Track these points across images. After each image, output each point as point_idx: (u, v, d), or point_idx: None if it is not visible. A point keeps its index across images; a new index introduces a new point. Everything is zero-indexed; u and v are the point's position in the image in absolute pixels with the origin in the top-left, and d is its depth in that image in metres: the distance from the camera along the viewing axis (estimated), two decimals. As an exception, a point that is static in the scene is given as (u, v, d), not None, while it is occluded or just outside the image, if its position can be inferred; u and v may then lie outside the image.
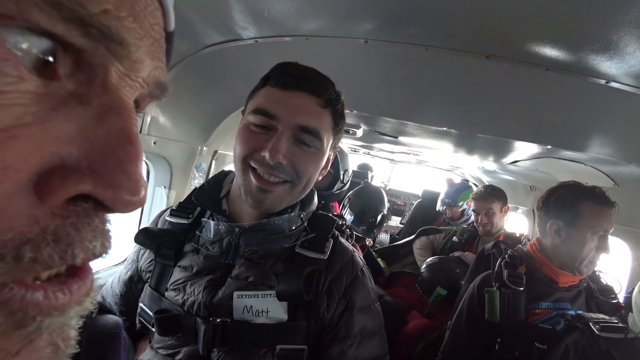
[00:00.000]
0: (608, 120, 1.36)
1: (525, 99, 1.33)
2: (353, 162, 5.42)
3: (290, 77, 0.80)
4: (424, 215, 4.26)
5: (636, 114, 1.24)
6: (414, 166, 5.34)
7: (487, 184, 3.20)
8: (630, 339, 0.97)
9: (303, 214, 0.91)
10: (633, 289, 1.32)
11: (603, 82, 1.08)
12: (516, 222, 3.56)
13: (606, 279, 1.49)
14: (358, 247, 1.89)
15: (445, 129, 1.63)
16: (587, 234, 1.32)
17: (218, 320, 0.79)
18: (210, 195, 0.94)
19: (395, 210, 6.32)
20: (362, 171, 4.88)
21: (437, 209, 3.63)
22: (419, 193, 4.95)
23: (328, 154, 0.90)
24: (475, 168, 3.50)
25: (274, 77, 0.81)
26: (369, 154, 4.29)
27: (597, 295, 1.41)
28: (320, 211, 0.99)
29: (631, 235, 1.92)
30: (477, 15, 0.93)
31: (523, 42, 1.00)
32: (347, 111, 1.67)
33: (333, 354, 0.83)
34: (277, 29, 1.18)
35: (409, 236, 3.48)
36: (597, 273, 1.49)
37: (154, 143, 1.62)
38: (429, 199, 4.11)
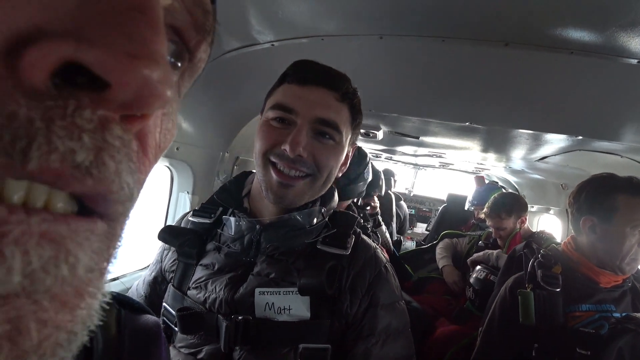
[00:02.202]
0: (634, 102, 1.29)
1: (550, 87, 1.28)
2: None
3: (307, 73, 0.82)
4: (450, 220, 4.17)
5: None
6: (438, 171, 5.23)
7: (504, 192, 3.08)
8: None
9: (324, 209, 0.90)
10: None
11: (635, 61, 1.02)
12: (548, 224, 3.41)
13: None
14: (384, 250, 1.86)
15: (467, 124, 1.59)
16: (625, 229, 1.22)
17: (240, 317, 0.79)
18: (232, 194, 0.95)
19: (421, 217, 6.22)
20: (384, 178, 4.83)
21: (466, 209, 3.54)
22: (444, 198, 4.85)
23: (347, 149, 0.90)
24: (501, 169, 3.38)
25: (291, 74, 0.83)
26: (391, 159, 4.23)
27: None
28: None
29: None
30: (492, 1, 0.91)
31: (542, 26, 0.96)
32: (366, 111, 1.67)
33: (357, 352, 0.81)
34: (292, 31, 1.20)
35: (434, 241, 3.40)
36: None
37: (177, 149, 1.67)
38: (455, 203, 4.02)
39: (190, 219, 0.98)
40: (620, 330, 1.02)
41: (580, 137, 1.61)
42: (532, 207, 3.60)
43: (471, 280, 2.29)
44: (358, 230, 0.93)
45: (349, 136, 0.88)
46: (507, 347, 1.35)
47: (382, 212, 4.17)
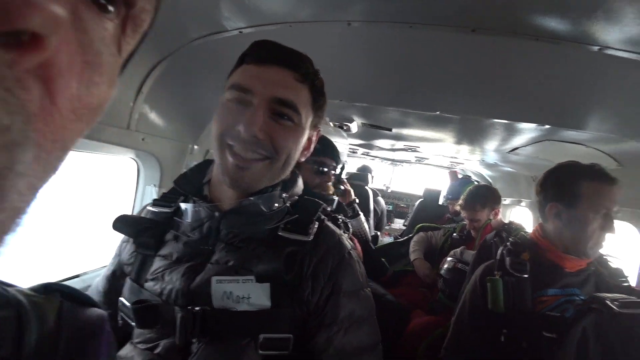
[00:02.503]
0: (605, 91, 1.31)
1: (517, 74, 1.29)
2: (352, 165, 5.43)
3: (265, 52, 0.79)
4: (427, 215, 4.23)
5: (634, 82, 1.19)
6: (415, 166, 5.29)
7: (478, 184, 3.14)
8: None
9: (285, 194, 0.87)
10: None
11: (596, 48, 1.04)
12: (520, 216, 3.50)
13: (615, 262, 1.42)
14: (356, 241, 1.84)
15: (437, 113, 1.60)
16: (589, 214, 1.26)
17: (197, 308, 0.75)
18: (191, 181, 0.91)
19: (398, 213, 6.28)
20: (362, 173, 4.86)
21: (440, 203, 3.59)
22: (421, 193, 4.91)
23: (308, 132, 0.87)
24: (475, 163, 3.45)
25: (249, 54, 0.80)
26: (368, 154, 4.24)
27: (607, 279, 1.35)
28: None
29: (638, 217, 1.85)
30: (459, -15, 0.90)
31: (509, 12, 0.96)
32: (337, 101, 1.65)
33: (319, 341, 0.78)
34: (260, 17, 1.17)
35: (410, 235, 3.43)
36: (605, 257, 1.43)
37: (143, 139, 1.60)
38: (431, 198, 4.07)
39: (150, 208, 0.94)
40: (585, 311, 1.04)
41: (548, 127, 1.64)
42: (505, 199, 3.69)
43: (441, 272, 2.33)
44: (322, 216, 0.91)
45: (310, 118, 0.85)
46: (477, 334, 1.36)
47: (359, 207, 4.21)
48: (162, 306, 0.78)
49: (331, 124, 2.12)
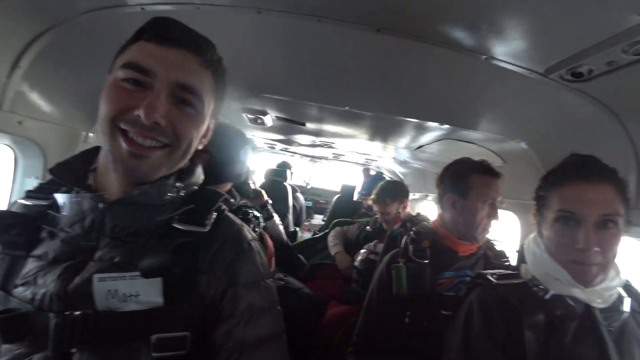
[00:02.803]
0: (491, 97, 1.48)
1: (418, 76, 1.38)
2: (272, 161, 5.39)
3: (169, 31, 0.71)
4: (343, 210, 4.38)
5: (516, 91, 1.35)
6: (333, 163, 5.44)
7: (388, 180, 3.36)
8: (523, 283, 1.05)
9: (179, 184, 0.80)
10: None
11: (484, 57, 1.15)
12: (427, 209, 3.83)
13: (499, 246, 1.62)
14: (267, 235, 1.81)
15: (347, 109, 1.65)
16: (478, 204, 1.42)
17: (77, 312, 0.65)
18: (72, 168, 0.78)
19: (318, 209, 6.41)
20: (281, 169, 4.84)
21: (355, 199, 3.74)
22: (339, 189, 5.08)
23: (208, 120, 0.81)
24: (389, 160, 3.66)
25: (149, 30, 0.71)
26: (287, 150, 4.24)
27: (492, 260, 1.54)
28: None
29: (518, 207, 2.14)
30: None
31: (411, 15, 1.01)
32: (250, 92, 1.61)
33: (218, 335, 0.73)
34: (167, -6, 1.07)
35: (327, 230, 3.52)
36: (491, 241, 1.62)
37: (20, 123, 1.36)
38: (348, 193, 4.22)
39: (22, 202, 0.80)
40: (472, 287, 1.17)
41: (448, 126, 1.81)
42: (414, 194, 4.00)
43: (356, 263, 2.43)
44: (223, 207, 0.86)
45: (212, 107, 0.80)
46: (384, 319, 1.44)
47: (278, 203, 4.18)
48: (33, 314, 0.67)
49: (245, 116, 2.05)
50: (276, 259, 2.91)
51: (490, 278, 1.10)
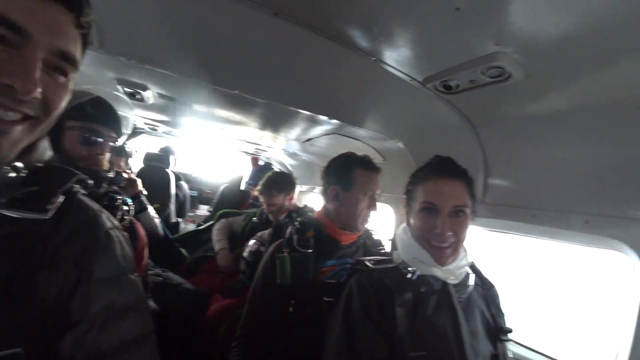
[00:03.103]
0: (377, 98, 1.58)
1: (310, 68, 1.39)
2: (154, 145, 4.86)
3: None
4: (230, 200, 4.24)
5: (398, 95, 1.47)
6: (222, 151, 5.20)
7: (276, 171, 3.39)
8: (395, 266, 1.20)
9: (19, 163, 0.63)
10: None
11: (373, 59, 1.22)
12: (315, 201, 3.96)
13: (377, 235, 1.76)
14: (138, 224, 1.62)
15: (237, 92, 1.57)
16: (359, 196, 1.52)
17: None
18: None
19: (204, 199, 6.07)
20: (163, 154, 4.42)
21: (242, 189, 3.65)
22: (227, 179, 4.89)
23: None
24: (279, 151, 3.66)
25: None
26: (171, 134, 3.86)
27: (371, 248, 1.66)
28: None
29: (394, 200, 2.38)
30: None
31: (309, 3, 1.00)
32: (124, 59, 1.38)
33: (65, 347, 0.59)
34: None
35: (212, 222, 3.36)
36: (370, 231, 1.75)
37: None
38: (236, 183, 4.09)
39: None
40: (352, 273, 1.26)
41: (337, 121, 1.88)
42: (302, 187, 4.10)
43: (244, 254, 2.37)
44: (75, 188, 0.71)
45: (76, 75, 0.67)
46: (269, 309, 1.43)
47: (159, 191, 3.80)
48: None
49: (120, 88, 1.77)
50: (155, 254, 2.66)
51: (368, 264, 1.21)
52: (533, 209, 1.51)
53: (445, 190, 1.12)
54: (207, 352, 2.24)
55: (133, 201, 2.37)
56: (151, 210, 2.61)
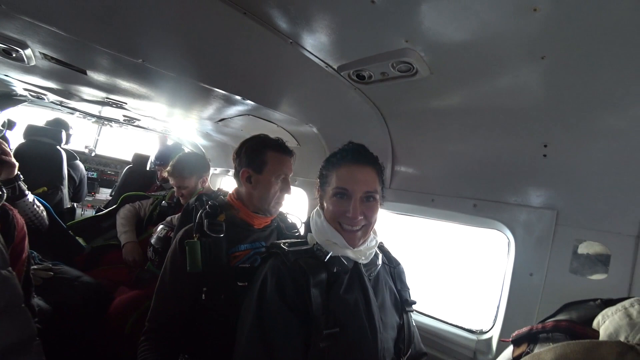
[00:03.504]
0: (292, 81, 1.57)
1: (223, 43, 1.31)
2: (42, 118, 4.15)
3: None
4: (136, 182, 3.88)
5: (313, 80, 1.47)
6: (126, 129, 4.68)
7: (187, 152, 3.18)
8: (309, 248, 1.23)
9: None
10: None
11: (290, 42, 1.20)
12: (230, 185, 3.83)
13: (291, 218, 1.77)
14: (15, 211, 1.38)
15: (141, 61, 1.41)
16: (271, 178, 1.50)
17: None
18: None
19: (105, 181, 5.46)
20: (52, 129, 3.81)
21: (148, 169, 3.35)
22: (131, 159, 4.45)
23: None
24: (191, 130, 3.43)
25: None
26: (63, 104, 3.31)
27: (285, 231, 1.66)
28: None
29: (308, 184, 2.43)
30: None
31: None
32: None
33: None
34: None
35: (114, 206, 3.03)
36: (284, 214, 1.75)
37: None
38: (142, 165, 3.73)
39: None
40: (267, 256, 1.26)
41: (251, 102, 1.82)
42: (216, 169, 3.92)
43: (152, 240, 2.18)
44: None
45: None
46: (179, 298, 1.35)
47: (46, 172, 3.29)
48: None
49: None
50: (43, 245, 2.31)
51: (283, 247, 1.21)
52: (432, 194, 1.68)
53: (357, 177, 1.17)
54: (113, 349, 2.06)
55: (6, 186, 2.04)
56: (30, 196, 2.25)
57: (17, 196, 2.10)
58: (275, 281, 1.12)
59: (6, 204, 1.38)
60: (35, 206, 2.26)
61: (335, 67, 1.29)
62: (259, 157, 1.51)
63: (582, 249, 1.27)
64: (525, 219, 1.41)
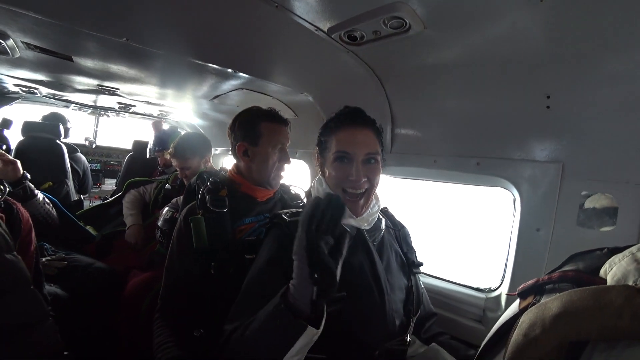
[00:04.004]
0: (283, 49, 1.51)
1: (208, 15, 1.26)
2: (37, 113, 4.13)
3: None
4: (138, 170, 3.89)
5: (304, 46, 1.42)
6: (123, 118, 4.64)
7: (189, 132, 3.15)
8: None
9: None
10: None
11: (275, 5, 1.15)
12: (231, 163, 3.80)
13: (295, 189, 1.76)
14: (17, 204, 1.41)
15: (125, 40, 1.36)
16: (268, 149, 1.49)
17: None
18: None
19: (109, 172, 5.48)
20: (50, 123, 3.81)
21: (148, 157, 3.36)
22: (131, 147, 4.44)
23: None
24: (188, 111, 3.39)
25: None
26: (56, 97, 3.27)
27: (289, 202, 1.65)
28: None
29: (307, 155, 2.40)
30: None
31: None
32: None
33: None
34: None
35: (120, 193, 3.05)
36: (287, 185, 1.74)
37: None
38: (142, 151, 3.72)
39: None
40: (270, 227, 1.26)
41: (244, 75, 1.77)
42: (216, 149, 3.89)
43: (159, 223, 2.21)
44: None
45: None
46: (188, 275, 1.37)
47: (49, 168, 3.30)
48: None
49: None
50: (55, 237, 2.36)
51: (284, 217, 1.21)
52: (434, 156, 1.65)
53: (357, 139, 1.15)
54: (130, 331, 2.13)
55: (15, 188, 2.11)
56: (40, 195, 2.30)
57: (28, 196, 2.15)
58: (277, 249, 1.13)
59: (9, 198, 1.40)
60: (46, 204, 2.32)
61: (326, 30, 1.24)
62: (253, 130, 1.49)
63: (589, 203, 1.25)
64: (530, 174, 1.38)
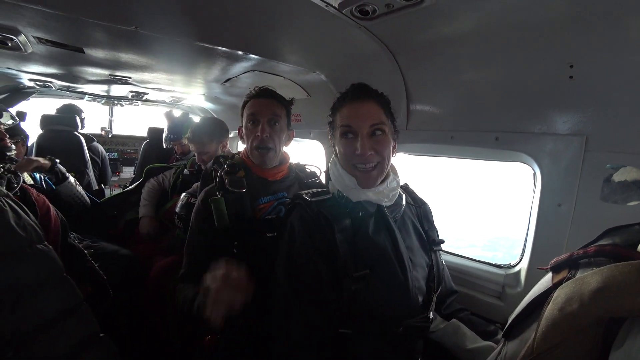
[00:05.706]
0: (293, 28, 1.47)
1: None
2: (52, 106, 4.21)
3: None
4: (156, 155, 3.96)
5: (314, 24, 1.39)
6: (137, 106, 4.67)
7: (205, 117, 3.15)
8: (331, 197, 1.25)
9: None
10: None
11: None
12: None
13: (310, 168, 1.76)
14: (32, 190, 1.51)
15: (134, 28, 1.35)
16: (247, 125, 1.52)
17: None
18: None
19: (126, 160, 5.58)
20: (66, 115, 3.89)
21: (165, 147, 3.40)
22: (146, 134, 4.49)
23: None
24: (200, 97, 3.38)
25: None
26: (70, 89, 3.32)
27: (305, 181, 1.67)
28: None
29: (323, 135, 2.37)
30: None
31: None
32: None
33: None
34: None
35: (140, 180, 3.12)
36: (302, 164, 1.75)
37: None
38: (157, 138, 3.76)
39: None
40: (292, 207, 1.29)
41: (254, 56, 1.74)
42: (231, 133, 3.90)
43: (177, 209, 2.26)
44: None
45: None
46: (209, 255, 1.39)
47: (69, 158, 3.38)
48: None
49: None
50: (82, 223, 2.48)
51: (306, 197, 1.23)
52: (451, 131, 1.61)
53: (360, 112, 1.15)
54: (156, 313, 2.23)
55: (50, 173, 2.39)
56: (71, 179, 2.46)
57: (60, 179, 2.35)
58: (301, 230, 1.16)
59: (24, 184, 1.49)
60: (78, 186, 2.47)
61: (336, 5, 1.20)
62: (242, 111, 1.55)
63: (617, 176, 1.20)
64: (552, 147, 1.34)
